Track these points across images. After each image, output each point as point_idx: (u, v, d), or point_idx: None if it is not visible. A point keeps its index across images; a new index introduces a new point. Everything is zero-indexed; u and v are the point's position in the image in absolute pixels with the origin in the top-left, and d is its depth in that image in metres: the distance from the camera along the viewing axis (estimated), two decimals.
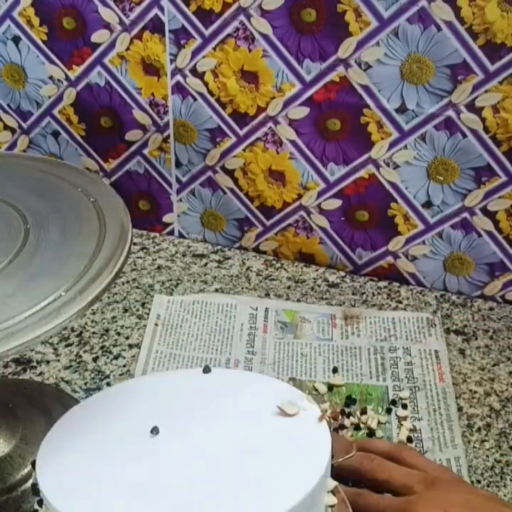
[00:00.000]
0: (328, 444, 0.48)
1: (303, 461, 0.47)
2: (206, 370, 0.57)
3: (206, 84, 0.84)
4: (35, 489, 0.49)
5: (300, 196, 0.88)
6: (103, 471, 0.49)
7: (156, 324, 0.81)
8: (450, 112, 0.77)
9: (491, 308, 0.86)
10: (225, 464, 0.48)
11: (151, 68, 0.85)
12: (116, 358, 0.77)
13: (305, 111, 0.82)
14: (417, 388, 0.74)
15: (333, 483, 0.47)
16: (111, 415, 0.54)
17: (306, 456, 0.47)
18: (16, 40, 0.87)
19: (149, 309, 0.83)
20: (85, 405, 0.57)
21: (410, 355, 0.78)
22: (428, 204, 0.84)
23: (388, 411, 0.71)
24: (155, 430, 0.51)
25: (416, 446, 0.68)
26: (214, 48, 0.81)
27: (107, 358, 0.77)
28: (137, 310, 0.83)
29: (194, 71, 0.83)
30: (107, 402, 0.56)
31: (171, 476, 0.48)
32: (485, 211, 0.82)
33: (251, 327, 0.81)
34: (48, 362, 0.76)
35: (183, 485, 0.47)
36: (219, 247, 0.95)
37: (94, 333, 0.80)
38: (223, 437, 0.51)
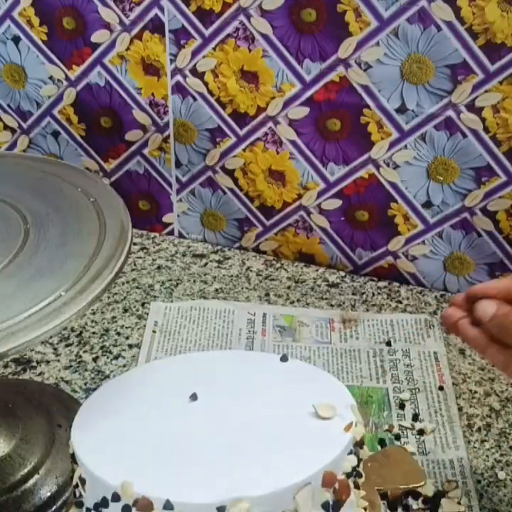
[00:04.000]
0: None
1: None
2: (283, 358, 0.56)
3: (206, 84, 0.84)
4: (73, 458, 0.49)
5: (300, 196, 0.88)
6: (139, 434, 0.49)
7: (154, 331, 0.81)
8: (450, 112, 0.77)
9: None
10: (260, 429, 0.49)
11: (151, 68, 0.85)
12: (116, 358, 0.77)
13: (305, 111, 0.82)
14: (417, 390, 0.74)
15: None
16: (146, 388, 0.54)
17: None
18: (16, 40, 0.87)
19: (149, 309, 0.83)
20: (119, 380, 0.57)
21: (409, 357, 0.78)
22: (428, 204, 0.84)
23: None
24: (193, 397, 0.51)
25: (418, 448, 0.68)
26: (214, 48, 0.81)
27: (107, 358, 0.77)
28: (137, 310, 0.83)
29: (194, 71, 0.83)
30: (141, 376, 0.56)
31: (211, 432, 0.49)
32: (485, 211, 0.82)
33: (249, 331, 0.81)
34: (47, 362, 0.76)
35: (224, 441, 0.48)
36: (219, 247, 0.95)
37: (94, 333, 0.80)
38: (258, 411, 0.51)
